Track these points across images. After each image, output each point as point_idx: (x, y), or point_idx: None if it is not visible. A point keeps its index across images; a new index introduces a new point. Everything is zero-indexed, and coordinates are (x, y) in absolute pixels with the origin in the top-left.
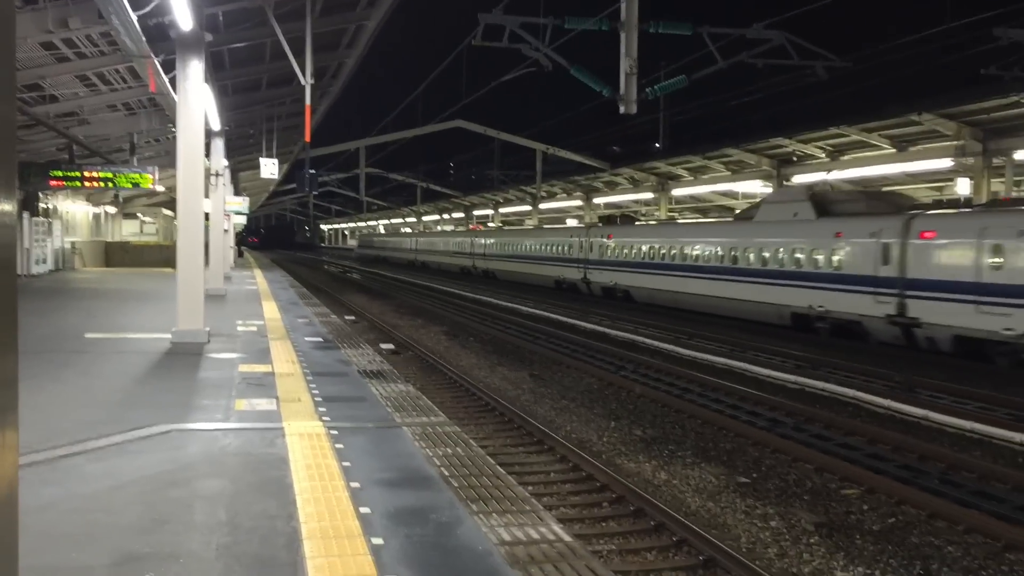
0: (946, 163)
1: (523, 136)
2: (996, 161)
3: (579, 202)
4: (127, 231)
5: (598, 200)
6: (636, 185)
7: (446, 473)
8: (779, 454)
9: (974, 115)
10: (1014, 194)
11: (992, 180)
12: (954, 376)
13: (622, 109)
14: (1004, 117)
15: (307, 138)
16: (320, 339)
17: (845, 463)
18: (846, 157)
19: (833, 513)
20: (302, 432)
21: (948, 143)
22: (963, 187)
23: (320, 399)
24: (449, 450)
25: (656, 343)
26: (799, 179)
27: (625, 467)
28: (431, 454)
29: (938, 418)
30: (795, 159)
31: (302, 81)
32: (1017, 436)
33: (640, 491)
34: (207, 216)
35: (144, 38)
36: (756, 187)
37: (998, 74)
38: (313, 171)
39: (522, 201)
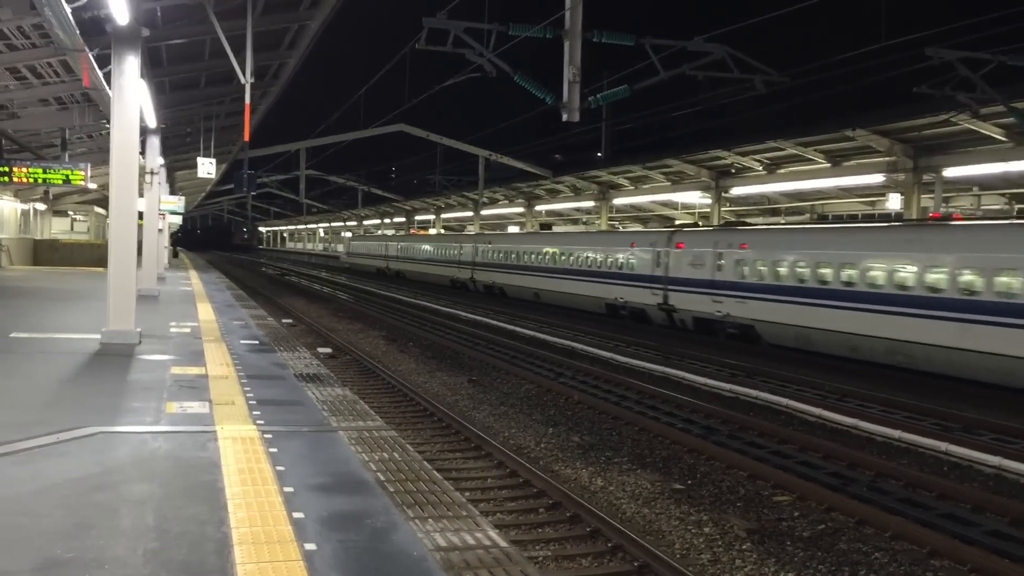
0: (878, 178)
1: (466, 142)
2: (926, 177)
3: (521, 209)
4: (57, 229)
5: (540, 207)
6: (578, 193)
7: (382, 478)
8: (713, 461)
9: (906, 132)
10: (943, 210)
11: (922, 196)
12: (880, 385)
13: (565, 117)
14: (935, 135)
15: (246, 137)
16: (256, 342)
17: (777, 470)
18: (782, 170)
19: (765, 520)
20: (235, 436)
21: (881, 159)
22: (894, 202)
23: (255, 402)
24: (386, 455)
25: (595, 350)
26: (737, 191)
27: (562, 473)
28: (367, 459)
29: (867, 427)
30: (733, 171)
31: (242, 80)
32: (943, 445)
33: (576, 497)
34: (141, 215)
35: (78, 31)
36: (695, 198)
37: (930, 92)
38: (252, 171)
39: (464, 207)
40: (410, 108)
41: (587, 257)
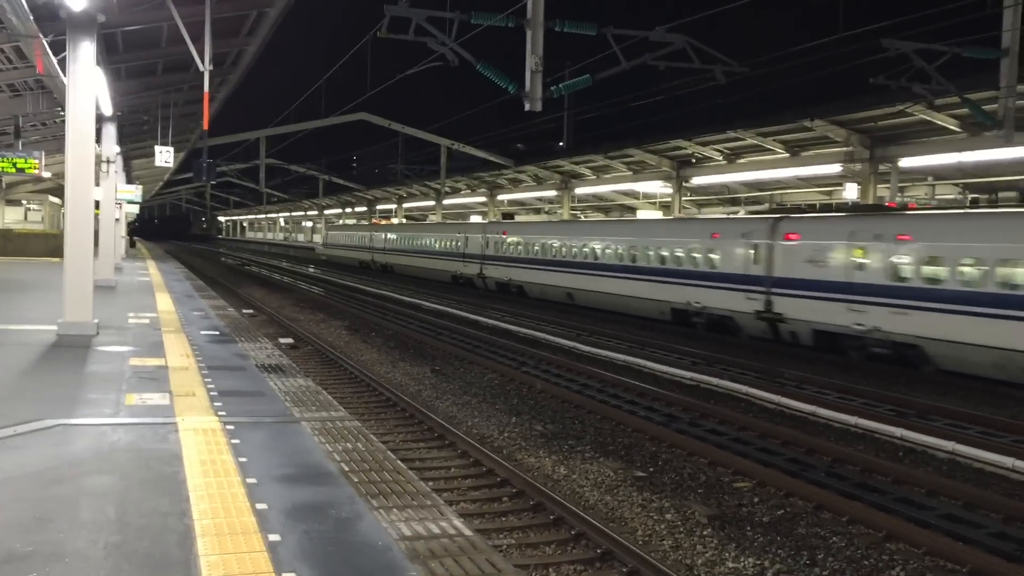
0: (836, 168)
1: (428, 131)
2: (882, 167)
3: (483, 198)
4: (10, 218)
5: (502, 197)
6: (540, 183)
7: (346, 468)
8: (675, 449)
9: (863, 123)
10: (898, 199)
11: (879, 186)
12: (836, 373)
13: (527, 106)
14: (890, 125)
15: (205, 126)
16: (216, 332)
17: (738, 457)
18: (743, 160)
19: (726, 506)
20: (197, 427)
21: (838, 149)
22: (851, 192)
23: (216, 393)
24: (349, 445)
25: (558, 340)
26: (698, 180)
27: (526, 462)
28: (331, 449)
29: (825, 413)
30: (694, 161)
31: (200, 67)
32: (898, 431)
33: (540, 485)
34: (97, 204)
35: (32, 17)
36: (656, 187)
37: (886, 84)
38: (211, 160)
39: (426, 196)
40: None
41: (645, 250)
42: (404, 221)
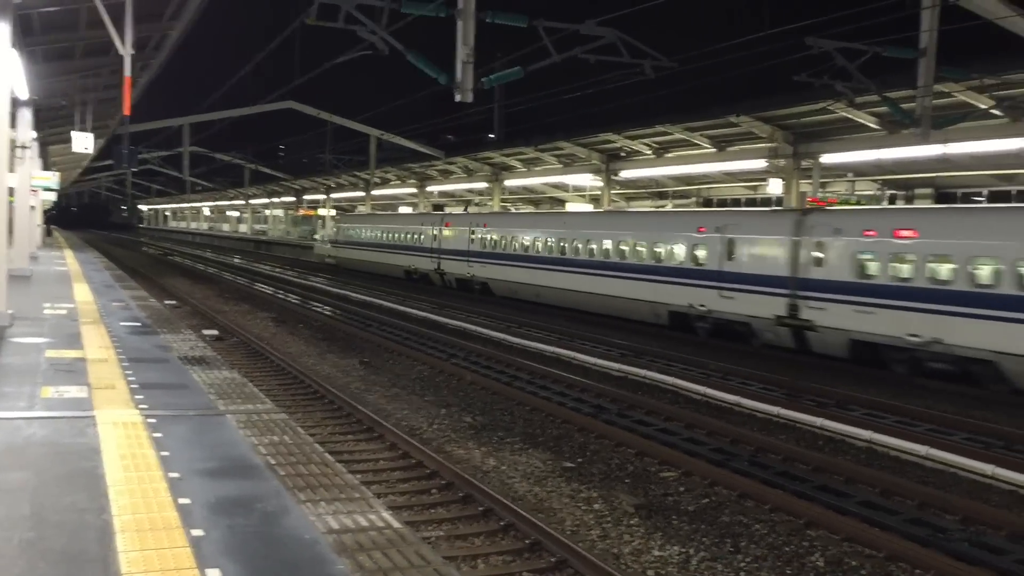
0: (761, 164)
1: (357, 121)
2: (805, 163)
3: (414, 189)
4: None
5: (432, 188)
6: (470, 174)
7: (272, 462)
8: (603, 439)
9: (786, 119)
10: (820, 195)
11: (801, 181)
12: (760, 364)
13: (458, 97)
14: (813, 122)
15: (126, 111)
16: (138, 324)
17: (664, 447)
18: (671, 154)
19: (652, 495)
20: (116, 421)
21: (763, 145)
22: (775, 187)
23: (137, 386)
24: (276, 438)
25: (488, 331)
26: (627, 174)
27: (455, 454)
28: (257, 442)
29: (748, 404)
30: (623, 154)
31: (120, 51)
32: (818, 420)
33: (469, 477)
34: (11, 191)
35: None
36: (587, 180)
37: (809, 81)
38: (132, 147)
39: (355, 187)
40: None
41: (634, 246)
42: (401, 212)
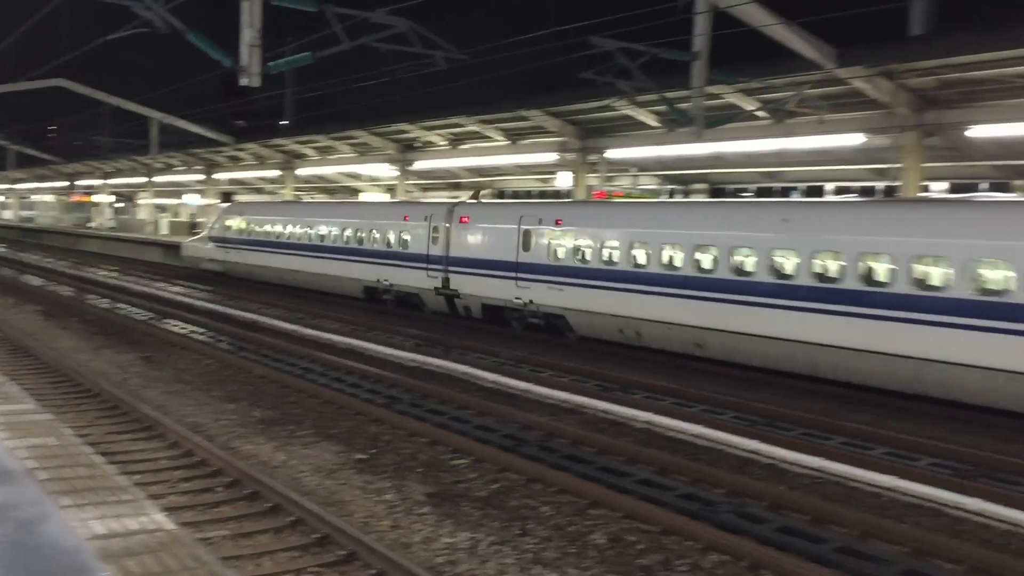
0: (552, 157)
1: (137, 102)
2: (593, 158)
3: (200, 176)
4: None
5: (220, 176)
6: (261, 162)
7: (33, 466)
8: (397, 430)
9: (574, 115)
10: (606, 188)
11: (590, 175)
12: (550, 351)
13: (244, 81)
14: (599, 118)
15: None
16: None
17: (456, 435)
18: (465, 146)
19: (444, 483)
20: None
21: (553, 139)
22: (563, 180)
23: None
24: (39, 440)
25: (278, 323)
26: (421, 164)
27: (242, 450)
28: (15, 446)
29: (538, 390)
30: (418, 145)
31: None
32: (602, 404)
33: (256, 474)
34: None
35: None
36: (384, 170)
37: (593, 79)
38: None
39: (135, 172)
40: (71, 62)
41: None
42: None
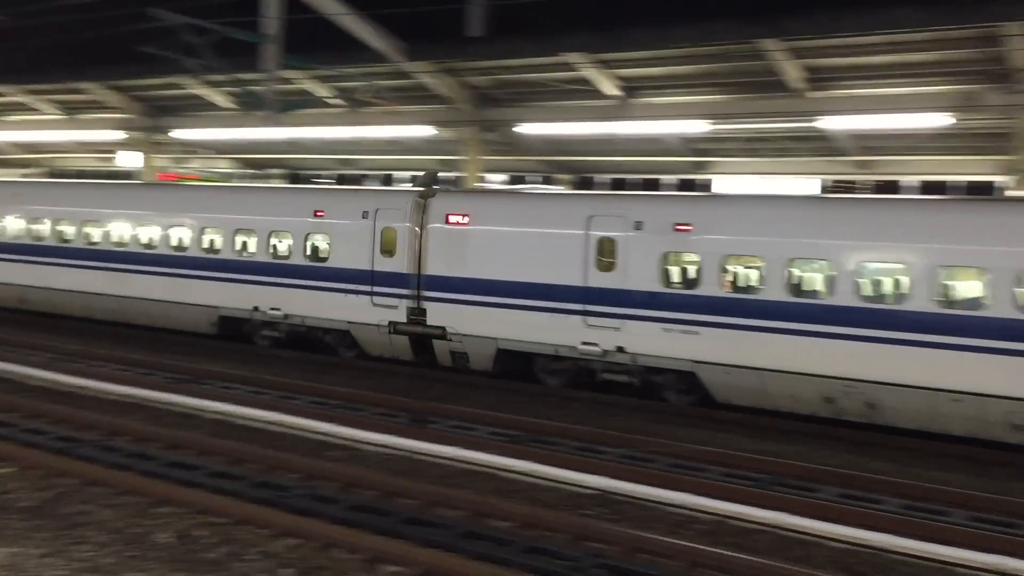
0: (119, 135)
1: None
2: (162, 138)
3: None
4: None
5: None
6: None
7: None
8: None
9: (139, 91)
10: (173, 170)
11: (163, 155)
12: (111, 343)
13: None
14: (167, 96)
15: None
16: None
17: None
18: (12, 118)
19: None
20: None
21: (118, 115)
22: (125, 159)
23: None
24: None
25: None
26: None
27: None
28: None
29: (97, 386)
30: None
31: None
32: (174, 397)
33: None
34: None
35: None
36: None
37: (156, 53)
38: None
39: None
40: None
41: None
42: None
